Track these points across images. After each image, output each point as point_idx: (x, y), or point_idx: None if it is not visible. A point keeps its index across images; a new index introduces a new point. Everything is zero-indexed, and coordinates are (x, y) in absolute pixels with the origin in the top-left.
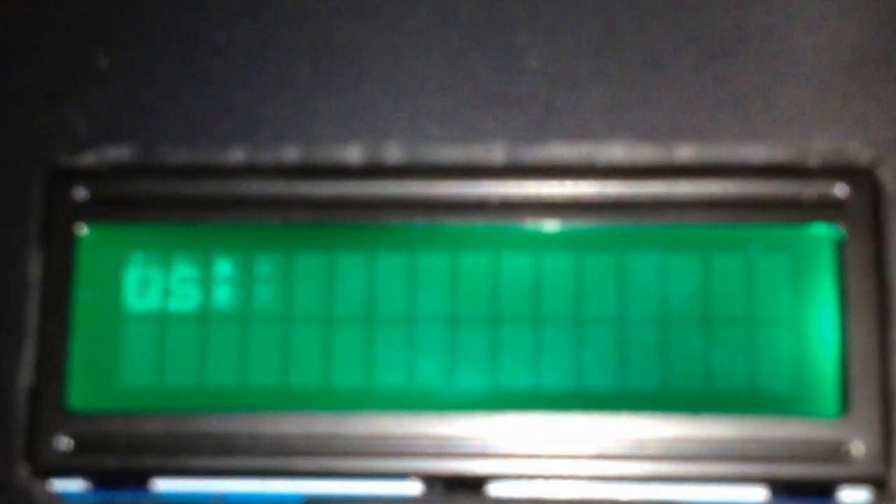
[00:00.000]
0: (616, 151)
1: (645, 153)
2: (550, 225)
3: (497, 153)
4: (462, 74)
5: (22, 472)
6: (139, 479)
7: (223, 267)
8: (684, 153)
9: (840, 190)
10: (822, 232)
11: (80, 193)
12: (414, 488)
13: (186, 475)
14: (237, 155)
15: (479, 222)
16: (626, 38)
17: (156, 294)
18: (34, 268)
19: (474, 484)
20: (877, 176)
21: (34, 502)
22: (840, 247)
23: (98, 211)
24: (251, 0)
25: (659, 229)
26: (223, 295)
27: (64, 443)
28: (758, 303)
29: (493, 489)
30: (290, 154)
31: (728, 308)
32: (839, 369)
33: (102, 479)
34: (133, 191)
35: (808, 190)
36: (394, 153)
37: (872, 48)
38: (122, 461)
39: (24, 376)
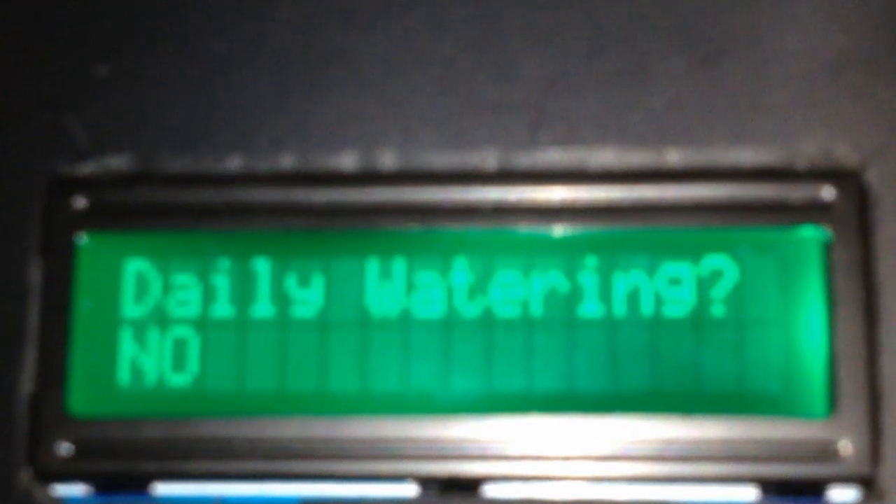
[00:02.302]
0: (607, 156)
1: (636, 158)
2: (543, 229)
3: (490, 159)
4: (455, 82)
5: (24, 477)
6: (140, 484)
7: (221, 274)
8: (674, 157)
9: (827, 193)
10: (810, 234)
11: (80, 202)
12: (410, 490)
13: (186, 479)
14: (234, 163)
15: (473, 227)
16: (616, 45)
17: (154, 301)
18: (34, 276)
19: (470, 485)
20: (864, 179)
21: None
22: (827, 249)
23: (97, 220)
24: (247, 10)
25: (649, 233)
26: (220, 301)
27: (65, 448)
28: (746, 304)
29: (489, 490)
30: (287, 162)
31: (717, 310)
32: (827, 370)
33: (103, 484)
34: (132, 199)
35: (796, 193)
36: (388, 160)
37: (859, 51)
38: (123, 466)
39: (26, 382)
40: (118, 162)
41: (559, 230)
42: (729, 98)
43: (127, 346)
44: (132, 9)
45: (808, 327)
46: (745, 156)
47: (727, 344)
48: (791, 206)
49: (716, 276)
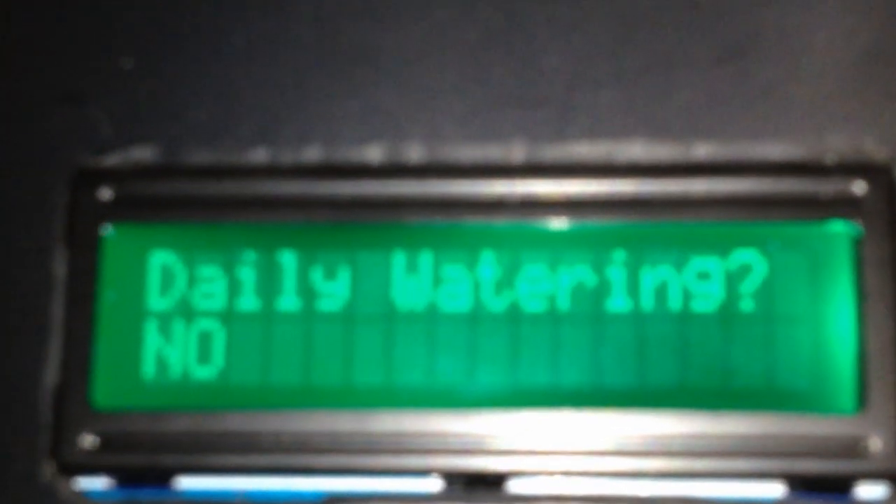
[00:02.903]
0: (634, 150)
1: (663, 151)
2: (570, 223)
3: (516, 152)
4: (481, 75)
5: (47, 469)
6: (163, 477)
7: (246, 266)
8: (702, 151)
9: (857, 187)
10: (840, 229)
11: (105, 194)
12: (434, 485)
13: (210, 473)
14: (259, 155)
15: (499, 221)
16: (643, 38)
17: (179, 293)
18: (59, 267)
19: (494, 481)
20: (894, 173)
21: (59, 500)
22: (857, 244)
23: (122, 211)
24: (272, 2)
25: (677, 227)
26: (245, 294)
27: (89, 441)
28: (776, 300)
29: (514, 486)
30: (312, 154)
31: (746, 305)
32: (856, 365)
33: (126, 478)
34: (157, 191)
35: (826, 187)
36: (414, 153)
37: (889, 45)
38: (147, 459)
39: (50, 375)
40: (143, 154)
41: (586, 224)
42: (758, 91)
43: (151, 338)
44: (158, 1)
45: (837, 323)
46: (774, 150)
47: (756, 339)
48: (820, 200)
49: (744, 270)
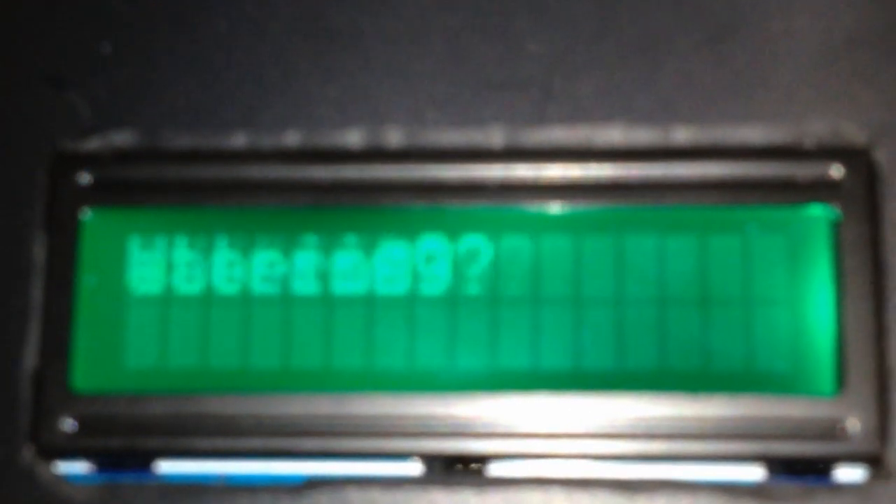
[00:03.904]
0: (614, 134)
1: (642, 136)
2: (549, 207)
3: (496, 136)
4: (461, 59)
5: (27, 453)
6: (143, 461)
7: (225, 250)
8: (681, 135)
9: (836, 171)
10: (818, 213)
11: (84, 178)
12: (415, 468)
13: (190, 456)
14: (239, 140)
15: (479, 205)
16: (623, 22)
17: (158, 277)
18: (39, 252)
19: (475, 463)
20: (872, 157)
21: (39, 483)
22: (836, 227)
23: (102, 195)
24: None
25: (657, 211)
26: (225, 278)
27: (68, 424)
28: (754, 283)
29: (494, 468)
30: (292, 139)
31: (725, 288)
32: (835, 348)
33: (106, 461)
34: (136, 175)
35: (804, 171)
36: (394, 137)
37: (868, 30)
38: (127, 442)
39: (29, 358)
40: (123, 138)
41: (565, 208)
42: (737, 76)
43: (130, 322)
44: None
45: (816, 305)
46: (753, 134)
47: (735, 322)
48: (799, 184)
49: (722, 254)
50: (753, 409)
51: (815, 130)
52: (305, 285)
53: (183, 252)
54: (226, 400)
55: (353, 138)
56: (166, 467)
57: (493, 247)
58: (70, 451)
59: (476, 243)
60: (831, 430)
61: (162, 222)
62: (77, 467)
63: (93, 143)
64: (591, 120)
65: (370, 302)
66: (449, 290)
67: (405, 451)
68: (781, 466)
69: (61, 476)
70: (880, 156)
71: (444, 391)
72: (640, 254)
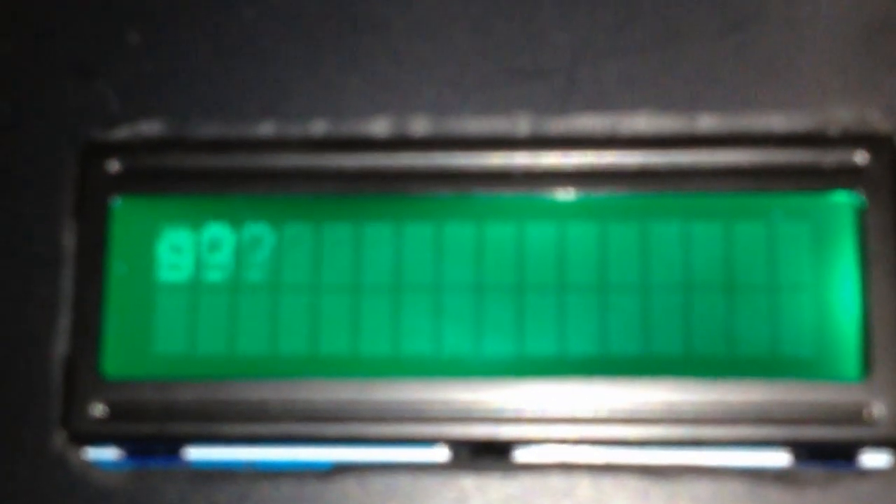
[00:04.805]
0: (639, 122)
1: (667, 123)
2: (575, 194)
3: (521, 125)
4: (486, 47)
5: (58, 439)
6: (172, 447)
7: (253, 238)
8: (706, 123)
9: (860, 157)
10: (843, 199)
11: (114, 166)
12: (441, 454)
13: (218, 442)
14: (266, 128)
15: (504, 192)
16: (647, 10)
17: (188, 264)
18: (69, 239)
19: (501, 449)
20: None
21: (70, 469)
22: (860, 213)
23: (131, 183)
24: None
25: (682, 198)
26: (253, 265)
27: (99, 410)
28: (780, 269)
29: (520, 454)
30: (318, 127)
31: (750, 275)
32: (860, 333)
33: (136, 448)
34: (165, 164)
35: (829, 158)
36: (419, 125)
37: (892, 17)
38: (156, 428)
39: (60, 345)
40: (151, 127)
41: (591, 195)
42: (761, 63)
43: (160, 308)
44: None
45: (841, 291)
46: (778, 121)
47: (760, 308)
48: (824, 171)
49: (748, 240)
50: (779, 395)
51: (839, 117)
52: (333, 273)
53: (211, 240)
54: (253, 386)
55: (379, 127)
56: (195, 453)
57: (519, 234)
58: (100, 437)
59: (502, 230)
60: (857, 415)
61: (190, 210)
62: (107, 453)
63: (121, 132)
64: (616, 108)
65: (397, 288)
66: (475, 277)
67: (432, 437)
68: (807, 451)
69: (91, 462)
70: None
71: (470, 377)
72: (665, 240)
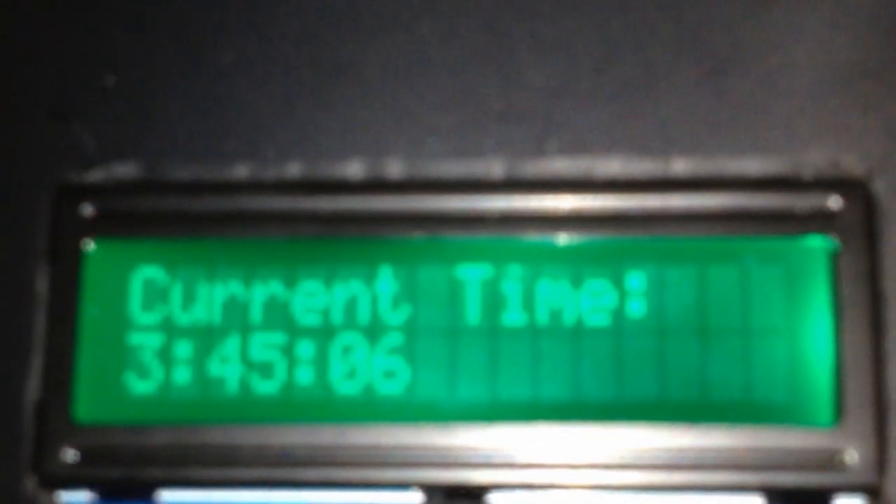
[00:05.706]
0: (613, 165)
1: (642, 167)
2: (549, 238)
3: (496, 168)
4: (462, 91)
5: (29, 483)
6: (145, 491)
7: (228, 281)
8: (680, 167)
9: (834, 202)
10: (817, 244)
11: (87, 210)
12: (414, 498)
13: (191, 486)
14: (241, 171)
15: (479, 236)
16: (623, 55)
17: (161, 308)
18: (41, 283)
19: (475, 493)
20: (870, 188)
21: None
22: (834, 258)
23: (104, 227)
24: (255, 20)
25: (656, 241)
26: (226, 308)
27: (71, 455)
28: (753, 314)
29: (494, 499)
30: (293, 170)
31: (724, 319)
32: (833, 379)
33: (109, 491)
34: (139, 207)
35: (803, 202)
36: (394, 168)
37: (866, 62)
38: (129, 472)
39: (32, 389)
40: (126, 170)
41: (565, 239)
42: (736, 108)
43: (132, 353)
44: (140, 18)
45: (814, 336)
46: (752, 165)
47: (734, 352)
48: (797, 215)
49: (722, 284)
50: (752, 440)
51: (813, 162)
52: (306, 316)
53: (184, 283)
54: (227, 430)
55: (354, 169)
56: (168, 497)
57: (494, 277)
58: (72, 482)
59: (476, 274)
60: (830, 461)
61: (164, 253)
62: (79, 497)
63: (96, 175)
64: (591, 151)
65: (371, 331)
66: (449, 320)
67: (405, 481)
68: (780, 497)
69: None
70: (879, 187)
71: (443, 421)
72: (639, 285)
